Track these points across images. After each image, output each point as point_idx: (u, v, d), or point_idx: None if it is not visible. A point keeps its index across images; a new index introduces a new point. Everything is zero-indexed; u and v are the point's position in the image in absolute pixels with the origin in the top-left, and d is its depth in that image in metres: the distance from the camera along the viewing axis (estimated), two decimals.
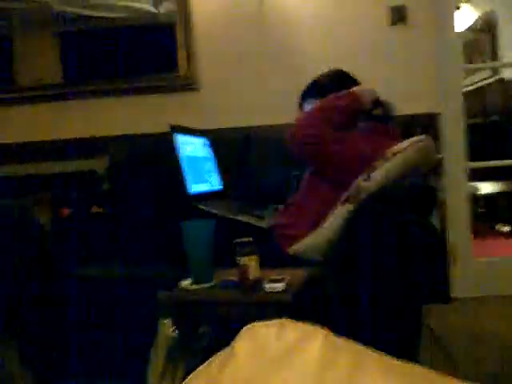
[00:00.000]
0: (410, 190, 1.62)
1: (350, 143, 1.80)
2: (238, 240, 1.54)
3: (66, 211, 2.22)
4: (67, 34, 3.02)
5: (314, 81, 2.07)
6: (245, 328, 0.57)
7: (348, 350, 0.54)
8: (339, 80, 2.02)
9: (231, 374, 0.50)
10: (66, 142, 2.91)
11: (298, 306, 1.43)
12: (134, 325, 1.87)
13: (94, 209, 2.42)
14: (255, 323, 0.58)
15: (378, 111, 1.94)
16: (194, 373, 0.53)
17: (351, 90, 1.90)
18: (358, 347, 0.54)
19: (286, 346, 0.53)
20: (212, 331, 1.70)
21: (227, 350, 0.54)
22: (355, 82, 2.01)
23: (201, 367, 0.54)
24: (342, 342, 0.55)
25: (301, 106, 2.09)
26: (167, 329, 1.58)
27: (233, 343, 0.55)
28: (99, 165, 2.75)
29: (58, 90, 2.98)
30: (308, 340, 0.54)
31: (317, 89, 2.04)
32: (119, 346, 1.89)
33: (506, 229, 4.63)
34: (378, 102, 1.95)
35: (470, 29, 5.62)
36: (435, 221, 1.68)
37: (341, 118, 1.84)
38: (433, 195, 1.62)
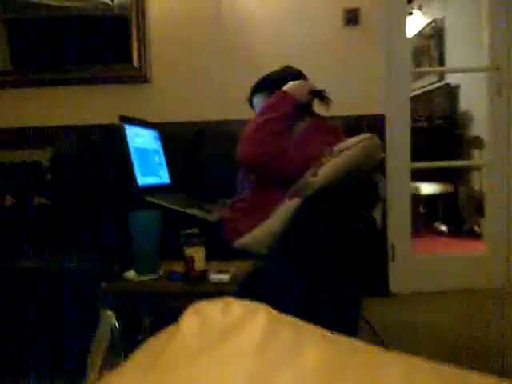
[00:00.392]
0: (355, 185, 1.67)
1: (297, 150, 1.82)
2: (185, 231, 1.55)
3: (9, 200, 2.16)
4: (15, 21, 2.93)
5: (263, 76, 2.09)
6: (190, 306, 0.58)
7: (290, 324, 0.56)
8: (286, 74, 2.04)
9: (177, 348, 0.51)
10: (11, 131, 2.82)
11: (242, 297, 1.45)
12: (77, 316, 1.84)
13: (37, 200, 2.36)
14: (200, 301, 0.59)
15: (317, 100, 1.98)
16: (139, 347, 0.54)
17: (282, 91, 1.91)
18: (300, 322, 0.57)
19: (231, 321, 0.55)
20: (155, 323, 1.70)
21: (173, 326, 0.55)
22: (301, 76, 2.04)
23: (147, 341, 0.55)
24: (284, 318, 0.57)
25: (250, 101, 2.11)
26: (110, 320, 1.57)
27: (179, 320, 0.56)
28: (44, 155, 2.69)
29: (5, 77, 2.89)
30: (252, 315, 0.56)
31: (265, 83, 2.06)
32: (61, 338, 1.86)
33: (444, 228, 4.82)
34: (315, 92, 1.99)
35: (419, 34, 5.80)
36: (377, 217, 1.73)
37: (282, 125, 1.85)
38: (376, 191, 1.68)
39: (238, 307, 0.57)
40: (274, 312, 0.58)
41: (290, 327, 0.56)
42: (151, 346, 0.53)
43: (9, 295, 1.91)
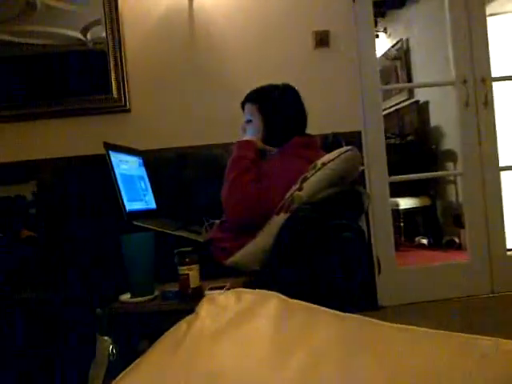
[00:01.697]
0: (339, 195, 1.72)
1: (278, 181, 1.86)
2: (178, 250, 1.58)
3: None
4: None
5: (256, 88, 2.14)
6: (205, 297, 0.62)
7: (302, 307, 0.60)
8: (282, 90, 2.10)
9: (197, 332, 0.55)
10: None
11: None
12: (73, 345, 1.83)
13: (24, 233, 2.36)
14: (214, 293, 0.63)
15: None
16: (162, 336, 0.57)
17: (239, 141, 2.04)
18: (310, 305, 0.60)
19: (245, 307, 0.58)
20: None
21: (192, 315, 0.58)
22: (298, 97, 2.11)
23: (169, 330, 0.58)
24: (295, 302, 0.61)
25: (243, 106, 2.16)
26: (107, 345, 1.57)
27: (196, 310, 0.59)
28: (27, 189, 2.69)
29: None
30: (264, 301, 0.59)
31: (255, 95, 2.12)
32: (59, 367, 1.84)
33: (425, 241, 4.90)
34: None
35: (384, 56, 5.97)
36: (363, 228, 1.77)
37: (252, 172, 1.91)
38: (360, 200, 1.73)
39: (249, 295, 0.61)
40: (285, 298, 0.61)
41: (302, 310, 0.59)
42: (173, 333, 0.56)
43: (1, 327, 1.89)
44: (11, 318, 1.85)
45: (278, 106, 2.06)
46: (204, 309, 0.58)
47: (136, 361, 0.56)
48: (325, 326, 0.55)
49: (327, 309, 0.60)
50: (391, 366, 0.49)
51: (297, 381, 0.50)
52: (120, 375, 0.54)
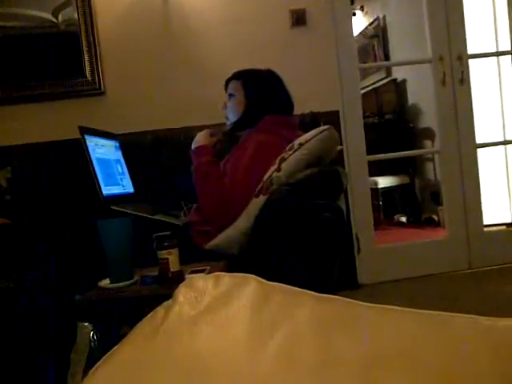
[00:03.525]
0: (318, 176, 1.71)
1: (254, 164, 1.88)
2: (157, 234, 1.56)
3: None
4: None
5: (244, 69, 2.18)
6: (182, 282, 0.61)
7: (280, 289, 0.59)
8: (268, 73, 2.14)
9: (176, 316, 0.54)
10: None
11: None
12: (54, 332, 1.81)
13: None
14: (192, 277, 0.62)
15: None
16: (139, 323, 0.56)
17: (191, 150, 2.08)
18: (289, 287, 0.60)
19: (223, 291, 0.57)
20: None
21: (169, 300, 0.57)
22: (282, 82, 2.12)
23: (146, 317, 0.57)
24: (274, 284, 0.60)
25: (226, 84, 2.18)
26: (87, 331, 1.56)
27: (174, 294, 0.58)
28: (1, 176, 2.64)
29: None
30: (242, 285, 0.59)
31: (241, 73, 2.15)
32: (39, 355, 1.82)
33: (404, 219, 4.95)
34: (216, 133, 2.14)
35: (362, 34, 5.95)
36: (342, 206, 1.78)
37: (213, 170, 1.95)
38: (339, 179, 1.73)
39: (228, 278, 0.60)
40: (263, 280, 0.61)
41: (280, 292, 0.59)
42: (151, 319, 0.56)
43: None
44: None
45: (261, 84, 2.10)
46: (182, 294, 0.57)
47: (114, 347, 0.55)
48: (303, 307, 0.55)
49: (305, 290, 0.59)
50: (369, 346, 0.49)
51: (276, 361, 0.49)
52: (99, 361, 0.53)
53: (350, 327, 0.53)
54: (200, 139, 2.09)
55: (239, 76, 2.14)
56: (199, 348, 0.50)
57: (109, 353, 0.54)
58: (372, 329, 0.53)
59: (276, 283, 0.60)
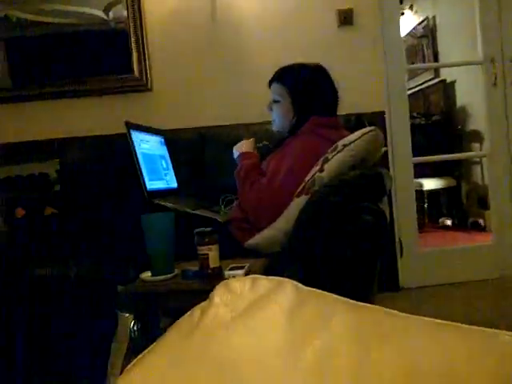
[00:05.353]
0: (361, 177, 1.69)
1: (297, 164, 1.86)
2: (198, 230, 1.58)
3: (21, 212, 2.20)
4: (14, 39, 2.98)
5: (284, 67, 2.11)
6: (220, 283, 0.61)
7: (317, 295, 0.59)
8: (313, 71, 2.06)
9: (211, 319, 0.54)
10: (18, 145, 2.86)
11: None
12: (96, 321, 1.86)
13: (48, 210, 2.39)
14: (228, 279, 0.62)
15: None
16: (175, 323, 0.57)
17: (236, 156, 2.10)
18: (325, 293, 0.60)
19: (260, 295, 0.57)
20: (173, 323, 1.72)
21: (205, 301, 0.58)
22: (329, 77, 2.07)
23: (182, 317, 0.58)
24: (310, 290, 0.60)
25: (270, 84, 2.13)
26: (128, 323, 1.59)
27: (210, 296, 0.59)
28: (51, 167, 2.72)
29: (6, 93, 2.93)
30: (279, 290, 0.59)
31: (283, 75, 2.08)
32: (80, 345, 1.88)
33: (449, 222, 4.84)
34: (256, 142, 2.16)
35: (410, 34, 5.84)
36: (385, 209, 1.75)
37: (256, 172, 1.95)
38: (382, 183, 1.70)
39: (265, 282, 0.60)
40: (300, 285, 0.61)
41: (317, 298, 0.59)
42: (187, 320, 0.56)
43: (24, 304, 1.93)
44: (34, 295, 1.89)
45: (308, 87, 2.02)
46: (218, 295, 0.57)
47: (149, 347, 0.56)
48: (340, 315, 0.54)
49: (342, 297, 0.59)
50: (408, 360, 0.48)
51: (311, 372, 0.49)
52: (133, 361, 0.54)
53: (390, 339, 0.53)
54: (246, 147, 2.11)
55: (284, 80, 2.06)
56: (233, 352, 0.50)
57: (145, 351, 0.55)
58: (412, 342, 0.52)
59: (312, 288, 0.60)
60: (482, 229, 4.44)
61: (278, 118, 2.09)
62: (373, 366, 0.48)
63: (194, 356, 0.50)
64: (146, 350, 0.55)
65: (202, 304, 0.58)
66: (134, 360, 0.54)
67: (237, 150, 2.12)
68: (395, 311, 0.57)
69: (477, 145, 4.49)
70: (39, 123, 2.93)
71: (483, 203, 4.33)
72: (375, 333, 0.53)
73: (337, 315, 0.55)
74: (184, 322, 0.56)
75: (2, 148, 2.80)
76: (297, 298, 0.57)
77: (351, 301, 0.58)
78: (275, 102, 2.08)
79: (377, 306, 0.58)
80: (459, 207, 4.91)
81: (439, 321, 0.55)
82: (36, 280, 1.95)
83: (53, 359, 1.88)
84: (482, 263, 3.18)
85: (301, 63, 2.09)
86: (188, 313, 0.58)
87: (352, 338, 0.52)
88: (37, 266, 1.97)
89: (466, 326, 0.53)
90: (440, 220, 4.96)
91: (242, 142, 2.15)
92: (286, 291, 0.58)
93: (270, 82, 2.11)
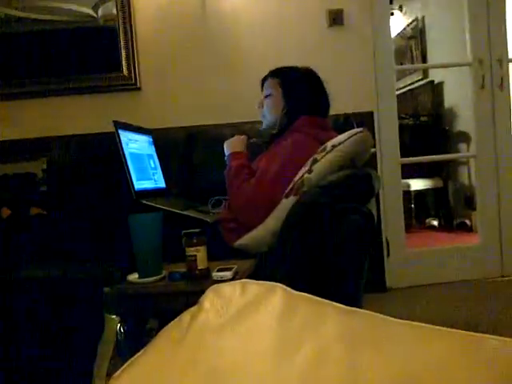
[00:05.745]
0: (349, 178, 1.70)
1: (287, 164, 1.87)
2: (186, 231, 1.57)
3: (7, 212, 2.17)
4: (2, 35, 2.94)
5: (280, 67, 2.16)
6: (210, 288, 0.61)
7: (307, 299, 0.58)
8: (305, 72, 2.11)
9: (201, 325, 0.54)
10: (3, 143, 2.82)
11: None
12: (80, 324, 1.84)
13: (34, 210, 2.37)
14: (219, 284, 0.62)
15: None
16: (165, 327, 0.56)
17: (227, 155, 2.10)
18: (316, 298, 0.59)
19: (250, 299, 0.57)
20: (161, 325, 1.70)
21: (195, 306, 0.58)
22: (320, 81, 2.10)
23: (172, 322, 0.57)
24: (301, 294, 0.59)
25: (263, 82, 2.17)
26: (115, 324, 1.58)
27: (200, 301, 0.58)
28: (37, 166, 2.70)
29: None
30: (269, 294, 0.58)
31: (278, 71, 2.13)
32: (66, 346, 1.86)
33: (435, 223, 4.87)
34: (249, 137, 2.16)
35: (400, 35, 5.87)
36: (373, 210, 1.75)
37: (246, 172, 1.95)
38: (370, 183, 1.71)
39: (255, 287, 0.60)
40: (290, 289, 0.60)
41: (308, 302, 0.58)
42: (176, 326, 0.56)
43: (8, 306, 1.91)
44: (19, 296, 1.87)
45: (300, 83, 2.07)
46: (208, 300, 0.57)
47: (138, 353, 0.55)
48: (330, 320, 0.54)
49: (333, 302, 0.58)
50: (397, 365, 0.48)
51: (301, 377, 0.49)
52: (122, 367, 0.53)
53: (379, 344, 0.52)
54: (236, 146, 2.10)
55: (276, 74, 2.12)
56: (223, 357, 0.49)
57: (133, 357, 0.54)
58: (402, 347, 0.52)
59: (302, 293, 0.59)
60: (468, 229, 4.47)
61: (268, 113, 2.11)
62: (363, 371, 0.48)
63: (184, 362, 0.50)
64: (135, 356, 0.54)
65: (192, 309, 0.57)
66: (123, 366, 0.53)
67: (227, 149, 2.11)
68: (385, 316, 0.57)
69: (464, 146, 4.51)
70: (26, 122, 2.90)
71: (470, 204, 4.36)
72: (365, 338, 0.53)
73: (327, 320, 0.54)
74: (173, 327, 0.56)
75: None
76: (287, 303, 0.57)
77: (341, 305, 0.58)
78: (266, 96, 2.11)
79: (367, 311, 0.58)
80: (446, 208, 4.94)
81: (428, 326, 0.55)
82: (21, 281, 1.92)
83: (38, 361, 1.86)
84: (468, 264, 3.20)
85: (293, 66, 2.14)
86: (177, 318, 0.57)
87: (342, 343, 0.52)
88: (22, 267, 1.95)
89: (455, 330, 0.53)
90: (427, 220, 4.98)
91: (233, 138, 2.15)
92: (276, 296, 0.58)
93: (263, 80, 2.13)
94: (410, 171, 4.33)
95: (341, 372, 0.48)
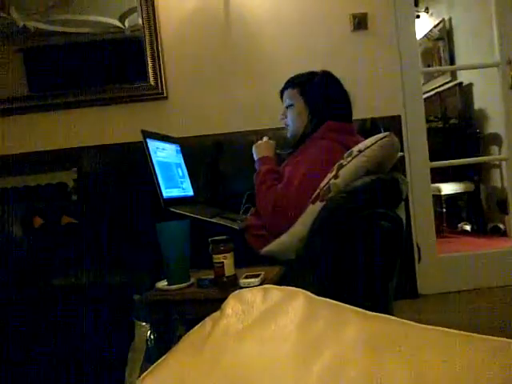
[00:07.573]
0: (377, 183, 1.68)
1: (313, 170, 1.87)
2: (213, 238, 1.58)
3: (39, 221, 2.22)
4: (32, 49, 3.02)
5: (296, 75, 2.15)
6: (232, 294, 0.61)
7: (328, 305, 0.58)
8: (322, 76, 2.09)
9: (223, 330, 0.54)
10: (35, 154, 2.89)
11: None
12: (112, 330, 1.87)
13: (65, 219, 2.42)
14: (240, 290, 0.62)
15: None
16: (186, 334, 0.57)
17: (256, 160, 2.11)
18: (337, 303, 0.59)
19: (271, 305, 0.57)
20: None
21: (217, 312, 0.58)
22: (339, 83, 2.09)
23: (195, 327, 0.57)
24: (322, 300, 0.59)
25: (282, 93, 2.17)
26: (144, 331, 1.59)
27: (222, 307, 0.59)
28: (68, 176, 2.75)
29: (24, 103, 2.97)
30: (290, 300, 0.58)
31: (295, 81, 2.12)
32: (96, 353, 1.88)
33: (468, 227, 4.78)
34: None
35: (426, 37, 5.80)
36: (402, 215, 1.73)
37: (273, 177, 1.96)
38: (398, 188, 1.69)
39: (276, 292, 0.60)
40: (312, 295, 0.60)
41: (329, 307, 0.58)
42: (198, 331, 0.56)
43: (42, 314, 1.94)
44: (51, 304, 1.90)
45: (320, 88, 2.06)
46: (230, 306, 0.57)
47: (161, 358, 0.56)
48: (352, 326, 0.54)
49: (354, 307, 0.58)
50: (419, 370, 0.47)
51: (322, 382, 0.49)
52: (145, 372, 0.54)
53: (401, 349, 0.52)
54: (265, 150, 2.11)
55: (293, 84, 2.12)
56: (244, 363, 0.50)
57: (156, 363, 0.55)
58: (424, 352, 0.51)
59: (324, 298, 0.59)
60: (502, 234, 4.37)
61: (292, 122, 2.11)
62: (384, 376, 0.48)
63: (205, 367, 0.50)
64: (159, 360, 0.55)
65: (214, 315, 0.58)
66: (145, 372, 0.54)
67: (256, 153, 2.12)
68: (407, 321, 0.57)
69: (496, 148, 4.43)
70: (57, 133, 2.96)
71: (503, 208, 4.26)
72: (387, 343, 0.53)
73: (348, 326, 0.54)
74: (195, 333, 0.56)
75: (20, 158, 2.84)
76: (308, 309, 0.57)
77: (363, 310, 0.58)
78: (288, 107, 2.11)
79: (388, 316, 0.57)
80: (478, 212, 4.84)
81: (450, 330, 0.54)
82: (53, 289, 1.96)
83: (70, 368, 1.89)
84: (502, 269, 3.12)
85: (309, 71, 2.13)
86: (199, 324, 0.58)
87: (362, 348, 0.52)
88: (54, 276, 1.99)
89: (478, 335, 0.52)
90: (459, 225, 4.89)
91: (262, 142, 2.15)
92: (297, 301, 0.58)
93: (282, 92, 2.14)
94: (440, 175, 4.27)
95: (361, 377, 0.47)
